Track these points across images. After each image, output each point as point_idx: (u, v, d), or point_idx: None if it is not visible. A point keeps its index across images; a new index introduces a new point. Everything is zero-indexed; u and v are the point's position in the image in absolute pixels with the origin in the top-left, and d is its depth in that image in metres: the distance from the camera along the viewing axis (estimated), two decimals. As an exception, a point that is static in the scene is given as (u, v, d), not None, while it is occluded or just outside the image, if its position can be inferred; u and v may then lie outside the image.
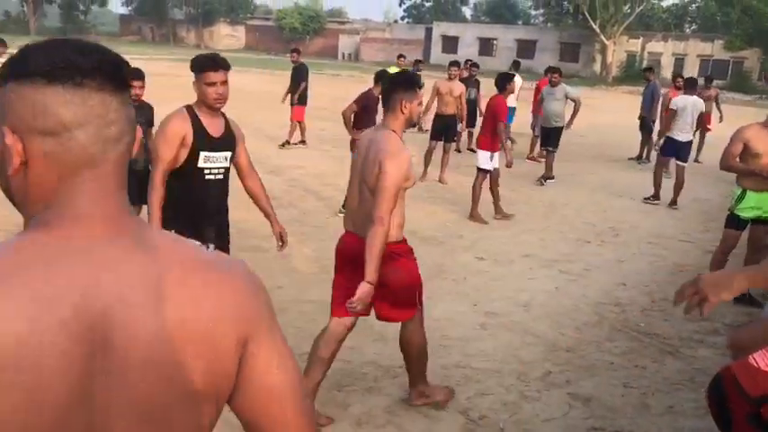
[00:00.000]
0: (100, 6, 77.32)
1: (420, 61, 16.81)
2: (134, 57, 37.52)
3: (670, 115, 10.10)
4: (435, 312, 5.26)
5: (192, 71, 3.58)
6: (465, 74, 13.00)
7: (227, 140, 3.73)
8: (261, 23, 71.65)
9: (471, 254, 6.98)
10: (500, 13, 71.71)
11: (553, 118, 10.96)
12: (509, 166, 8.31)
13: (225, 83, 3.58)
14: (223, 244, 3.88)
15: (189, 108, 3.65)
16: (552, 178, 10.87)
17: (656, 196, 10.11)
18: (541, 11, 61.52)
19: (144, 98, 5.82)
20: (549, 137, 11.02)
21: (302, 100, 12.66)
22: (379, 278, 3.32)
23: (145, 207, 5.79)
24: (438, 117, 10.69)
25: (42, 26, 70.13)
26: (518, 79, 13.66)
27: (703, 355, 4.84)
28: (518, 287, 6.05)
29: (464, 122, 11.69)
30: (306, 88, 12.64)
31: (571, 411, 3.98)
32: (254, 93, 20.73)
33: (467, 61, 14.57)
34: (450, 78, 10.87)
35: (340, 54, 64.44)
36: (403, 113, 3.48)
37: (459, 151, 13.15)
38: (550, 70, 11.52)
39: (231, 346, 0.96)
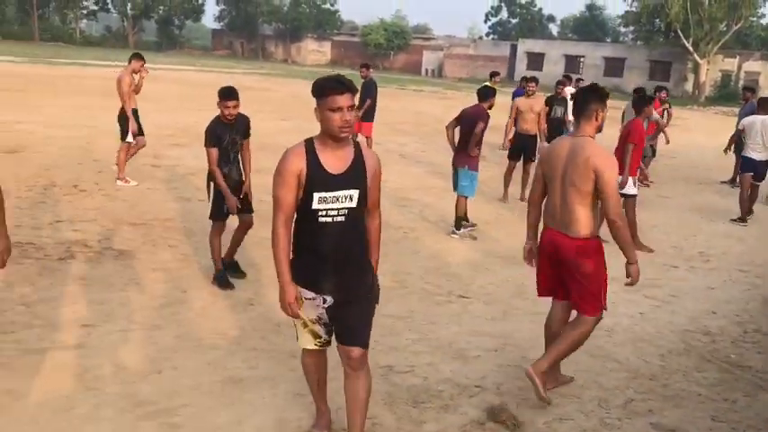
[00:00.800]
0: (194, 22, 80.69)
1: (527, 79, 16.54)
2: (223, 70, 38.95)
3: (736, 134, 10.20)
4: (516, 333, 5.20)
5: (314, 96, 3.06)
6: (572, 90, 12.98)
7: (353, 177, 3.10)
8: (346, 39, 73.01)
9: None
10: (588, 30, 70.46)
11: None
12: (647, 185, 8.18)
13: (352, 107, 3.01)
14: (358, 296, 3.22)
15: (308, 142, 3.11)
16: None
17: (742, 218, 9.86)
18: (631, 28, 59.99)
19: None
20: None
21: (369, 116, 12.44)
22: (575, 268, 3.99)
23: (230, 223, 6.00)
24: (517, 135, 10.50)
25: (140, 40, 73.62)
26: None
27: (800, 392, 4.57)
28: (600, 311, 5.88)
29: (543, 141, 11.50)
30: (371, 105, 12.42)
31: (654, 443, 3.83)
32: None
33: (577, 79, 14.31)
34: (528, 95, 10.73)
35: (423, 70, 64.87)
36: (597, 121, 3.96)
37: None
38: (657, 89, 11.31)
39: None
